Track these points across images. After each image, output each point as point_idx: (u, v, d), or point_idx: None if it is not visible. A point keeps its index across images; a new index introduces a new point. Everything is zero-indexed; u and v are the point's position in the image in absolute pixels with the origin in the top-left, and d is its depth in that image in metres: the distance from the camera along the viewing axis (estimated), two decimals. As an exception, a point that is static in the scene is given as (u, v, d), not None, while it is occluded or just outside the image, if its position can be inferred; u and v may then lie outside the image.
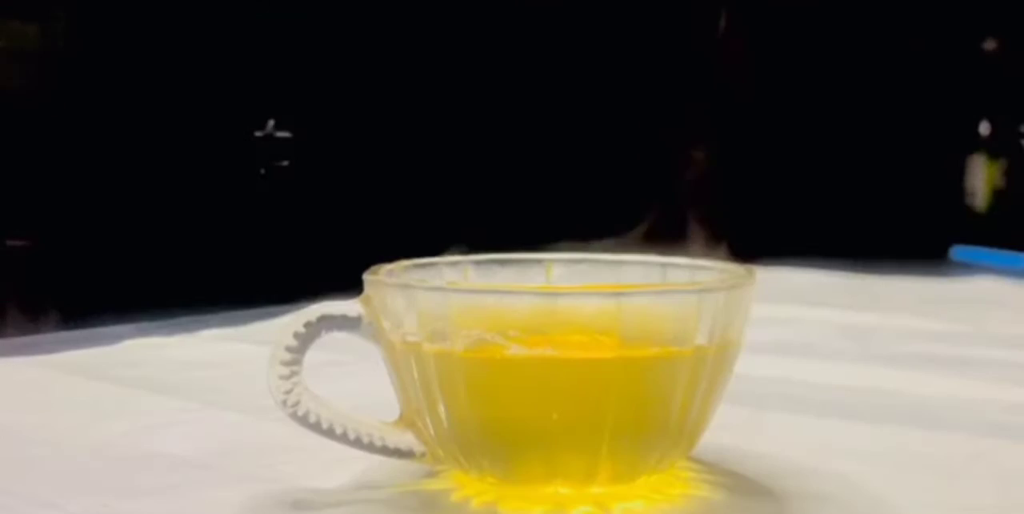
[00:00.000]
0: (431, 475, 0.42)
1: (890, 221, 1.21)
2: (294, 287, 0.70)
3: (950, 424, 0.51)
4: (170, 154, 0.83)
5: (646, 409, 0.38)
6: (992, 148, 1.41)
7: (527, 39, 1.07)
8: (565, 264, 0.47)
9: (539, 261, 0.47)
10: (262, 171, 0.89)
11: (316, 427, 0.40)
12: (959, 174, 1.33)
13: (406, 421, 0.41)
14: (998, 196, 1.34)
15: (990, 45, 1.43)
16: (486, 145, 1.08)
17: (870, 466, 0.45)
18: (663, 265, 0.45)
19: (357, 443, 0.40)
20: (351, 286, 0.42)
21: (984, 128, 1.42)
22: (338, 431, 0.40)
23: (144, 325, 0.73)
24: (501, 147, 1.10)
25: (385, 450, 0.41)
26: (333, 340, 0.40)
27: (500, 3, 1.02)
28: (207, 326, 0.73)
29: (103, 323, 0.74)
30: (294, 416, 0.40)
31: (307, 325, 0.40)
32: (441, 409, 0.39)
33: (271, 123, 0.89)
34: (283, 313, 0.70)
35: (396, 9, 0.95)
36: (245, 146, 0.88)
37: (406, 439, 0.41)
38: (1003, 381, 0.59)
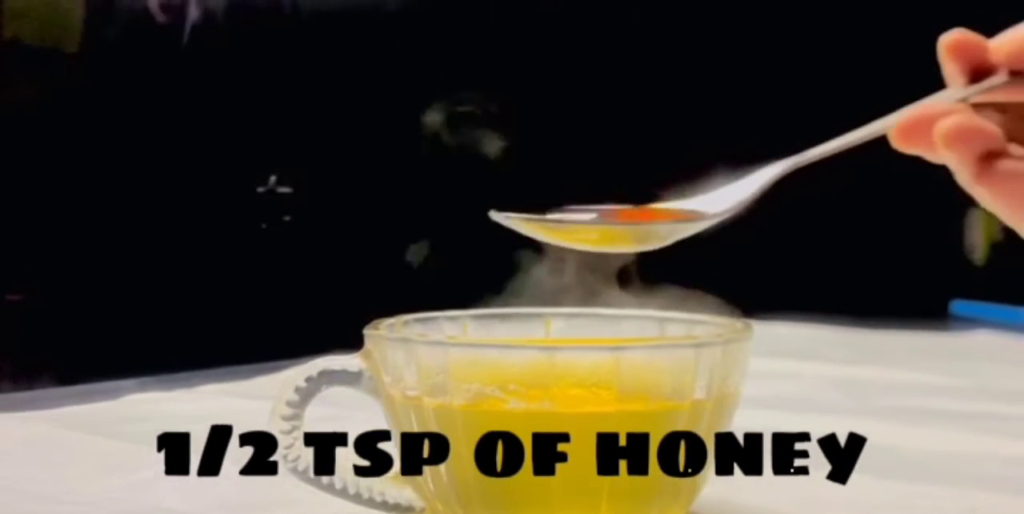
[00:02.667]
0: (431, 530, 0.42)
1: (889, 275, 1.21)
2: (295, 342, 0.70)
3: (948, 478, 0.51)
4: (171, 209, 0.83)
5: (645, 463, 0.38)
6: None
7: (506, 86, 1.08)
8: (564, 318, 0.47)
9: (538, 315, 0.47)
10: (264, 226, 0.89)
11: (316, 482, 0.40)
12: (958, 228, 1.33)
13: (406, 476, 0.41)
14: (997, 250, 1.34)
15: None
16: (485, 200, 1.08)
17: (869, 520, 0.45)
18: (661, 319, 0.45)
19: (357, 498, 0.40)
20: (352, 341, 0.42)
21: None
22: (338, 486, 0.40)
23: (144, 380, 0.73)
24: (499, 201, 1.10)
25: (385, 505, 0.41)
26: (334, 394, 0.41)
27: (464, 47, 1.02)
28: (208, 381, 0.73)
29: (103, 378, 0.74)
30: (294, 470, 0.40)
31: (308, 380, 0.40)
32: (441, 464, 0.39)
33: (273, 179, 0.89)
34: (284, 368, 0.70)
35: (395, 65, 0.96)
36: (247, 202, 0.89)
37: (406, 494, 0.41)
38: (1001, 435, 0.59)
